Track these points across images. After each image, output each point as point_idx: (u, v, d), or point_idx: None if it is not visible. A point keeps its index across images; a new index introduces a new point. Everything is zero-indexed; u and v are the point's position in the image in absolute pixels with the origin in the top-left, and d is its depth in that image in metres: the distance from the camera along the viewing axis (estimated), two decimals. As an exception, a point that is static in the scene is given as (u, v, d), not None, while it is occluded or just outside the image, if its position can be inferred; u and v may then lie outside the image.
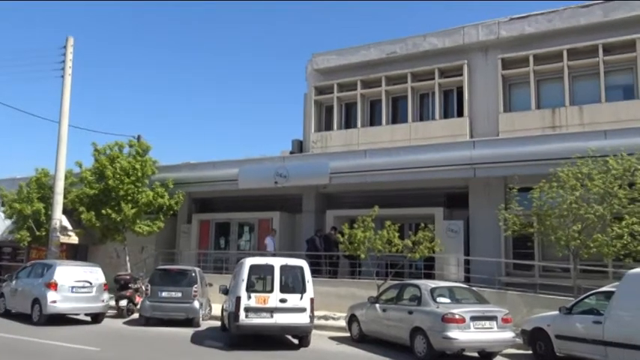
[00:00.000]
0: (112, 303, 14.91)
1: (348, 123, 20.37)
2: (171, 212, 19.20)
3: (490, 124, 17.04)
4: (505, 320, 10.18)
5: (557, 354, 10.11)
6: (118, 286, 15.31)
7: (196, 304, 13.69)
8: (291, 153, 20.81)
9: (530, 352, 10.71)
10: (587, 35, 15.92)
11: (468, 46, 17.90)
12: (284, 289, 11.00)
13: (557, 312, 10.38)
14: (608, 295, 9.60)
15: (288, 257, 12.25)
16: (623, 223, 11.72)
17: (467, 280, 14.83)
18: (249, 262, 11.29)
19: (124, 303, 14.97)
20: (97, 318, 14.04)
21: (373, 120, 19.88)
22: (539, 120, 16.15)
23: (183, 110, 65.47)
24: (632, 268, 10.37)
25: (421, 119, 18.84)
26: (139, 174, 18.18)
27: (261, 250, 17.99)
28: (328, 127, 20.45)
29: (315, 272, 14.15)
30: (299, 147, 21.10)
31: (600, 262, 13.05)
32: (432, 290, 10.66)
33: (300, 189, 18.82)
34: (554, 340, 10.12)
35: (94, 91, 64.71)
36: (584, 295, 10.37)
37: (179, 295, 13.78)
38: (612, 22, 15.64)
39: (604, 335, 9.11)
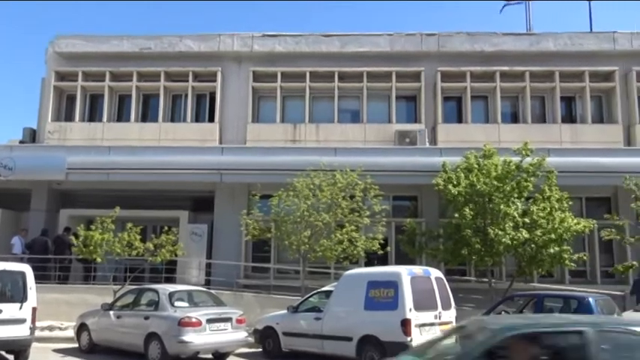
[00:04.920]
0: None
1: (93, 116, 18.91)
2: None
3: (239, 132, 17.74)
4: (239, 321, 10.72)
5: (284, 349, 11.06)
6: None
7: None
8: (21, 142, 18.39)
9: (260, 349, 11.49)
10: (326, 62, 17.84)
11: (223, 53, 18.34)
12: (0, 298, 9.66)
13: (286, 311, 11.37)
14: (328, 293, 10.91)
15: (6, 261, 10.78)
16: (344, 230, 13.51)
17: (207, 283, 15.18)
18: (-47, 267, 9.61)
19: None
20: None
21: (121, 115, 18.85)
22: (282, 133, 17.46)
23: None
24: (349, 269, 12.03)
25: (172, 120, 18.58)
26: None
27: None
28: (69, 117, 18.64)
29: (41, 277, 12.79)
30: (31, 137, 18.72)
31: (325, 265, 14.73)
32: (171, 295, 10.62)
33: (30, 184, 16.78)
34: (282, 337, 11.05)
35: None
36: (309, 295, 11.59)
37: None
38: (346, 54, 17.86)
39: (322, 330, 10.31)
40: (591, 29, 18.78)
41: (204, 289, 12.39)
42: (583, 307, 10.04)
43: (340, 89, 17.71)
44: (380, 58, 17.75)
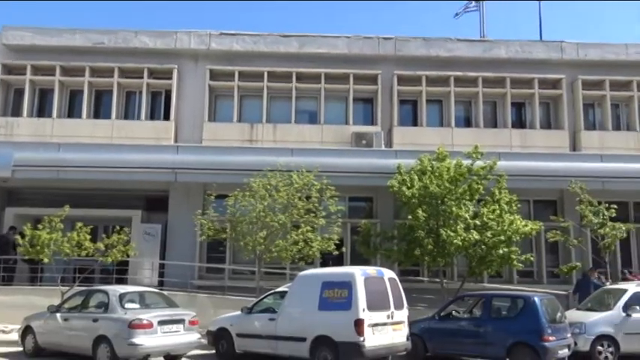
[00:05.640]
0: None
1: (42, 111, 18.26)
2: None
3: (195, 131, 17.50)
4: (192, 323, 10.60)
5: (237, 351, 10.99)
6: None
7: None
8: (-36, 138, 17.58)
9: (213, 351, 11.37)
10: (284, 62, 17.81)
11: (179, 51, 18.05)
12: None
13: (240, 312, 11.30)
14: (283, 294, 10.89)
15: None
16: (300, 230, 13.55)
17: (161, 284, 14.93)
18: None
19: None
20: None
21: (72, 111, 18.27)
22: (239, 133, 17.32)
23: None
24: (305, 270, 12.07)
25: (126, 117, 18.14)
26: None
27: None
28: (16, 112, 17.95)
29: (-17, 279, 12.33)
30: (-25, 132, 17.93)
31: (280, 265, 14.72)
32: (121, 296, 10.39)
33: (-27, 181, 16.08)
34: (236, 338, 10.96)
35: None
36: (263, 295, 11.54)
37: None
38: (304, 55, 17.87)
39: (276, 331, 10.30)
40: (541, 34, 19.65)
41: (157, 291, 12.18)
42: (529, 306, 10.40)
43: (298, 90, 17.72)
44: (338, 60, 17.87)
